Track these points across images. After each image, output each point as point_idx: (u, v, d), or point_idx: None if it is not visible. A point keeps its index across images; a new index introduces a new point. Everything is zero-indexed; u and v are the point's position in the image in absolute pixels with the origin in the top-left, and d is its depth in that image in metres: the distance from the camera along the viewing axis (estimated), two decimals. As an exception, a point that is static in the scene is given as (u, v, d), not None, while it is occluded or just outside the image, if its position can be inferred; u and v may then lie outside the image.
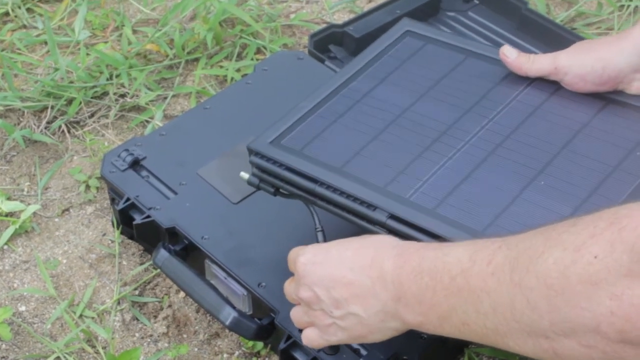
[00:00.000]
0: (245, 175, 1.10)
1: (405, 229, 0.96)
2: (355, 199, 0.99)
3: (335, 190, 1.01)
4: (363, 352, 1.04)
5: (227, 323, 1.07)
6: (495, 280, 0.75)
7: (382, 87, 1.14)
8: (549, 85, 1.08)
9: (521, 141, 1.03)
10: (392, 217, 0.97)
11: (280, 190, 1.08)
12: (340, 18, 1.73)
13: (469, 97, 1.10)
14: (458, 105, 1.09)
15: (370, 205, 0.98)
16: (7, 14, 1.75)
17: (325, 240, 1.04)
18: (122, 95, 1.57)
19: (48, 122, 1.53)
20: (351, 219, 1.01)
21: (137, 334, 1.24)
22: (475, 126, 1.06)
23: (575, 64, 1.03)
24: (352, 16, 1.69)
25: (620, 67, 1.01)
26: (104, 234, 1.37)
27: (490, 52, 1.14)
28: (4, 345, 1.23)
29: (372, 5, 1.76)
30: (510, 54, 1.09)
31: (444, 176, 1.01)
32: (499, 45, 1.50)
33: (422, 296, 0.83)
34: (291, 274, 0.99)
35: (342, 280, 0.89)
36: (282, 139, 1.08)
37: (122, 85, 1.57)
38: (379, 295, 0.87)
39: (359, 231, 0.99)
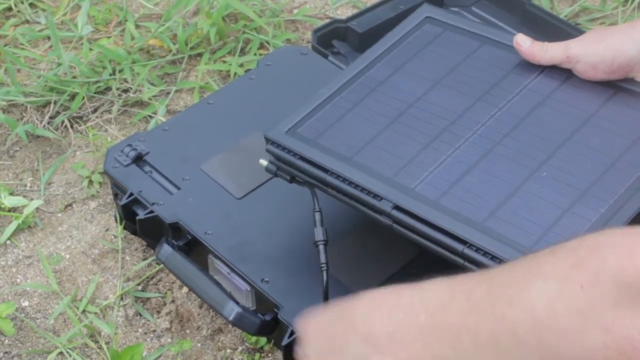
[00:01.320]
0: (264, 162, 1.11)
1: (408, 220, 0.97)
2: (363, 189, 1.01)
3: (344, 180, 1.02)
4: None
5: (231, 318, 1.07)
6: (476, 317, 0.73)
7: (397, 75, 1.14)
8: (561, 73, 1.08)
9: (528, 131, 1.03)
10: (396, 207, 0.98)
11: (296, 178, 1.09)
12: (344, 13, 1.73)
13: (481, 86, 1.10)
14: (470, 94, 1.09)
15: (376, 196, 1.00)
16: (9, 9, 1.75)
17: (322, 221, 1.06)
18: (125, 91, 1.57)
19: (51, 117, 1.52)
20: (359, 208, 1.02)
21: (140, 330, 1.24)
22: (485, 115, 1.06)
23: (587, 53, 1.03)
24: (355, 11, 1.69)
25: (631, 55, 1.00)
26: (107, 229, 1.37)
27: (506, 39, 1.13)
28: (7, 341, 1.23)
29: (376, 0, 1.75)
30: (523, 43, 1.09)
31: (449, 167, 1.01)
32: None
33: (394, 335, 0.78)
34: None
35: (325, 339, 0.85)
36: (299, 128, 1.09)
37: (125, 81, 1.57)
38: (350, 340, 0.82)
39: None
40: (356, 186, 1.01)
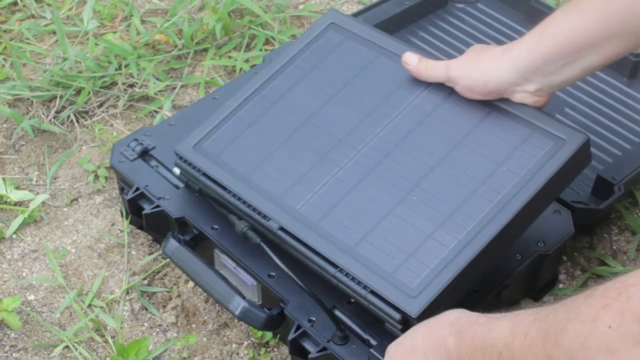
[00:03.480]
0: (177, 171, 1.19)
1: (291, 241, 1.05)
2: (255, 209, 1.08)
3: (239, 199, 1.10)
4: (373, 342, 1.04)
5: (237, 313, 1.07)
6: (532, 355, 0.78)
7: (298, 88, 1.18)
8: (444, 89, 1.11)
9: (406, 152, 1.08)
10: (281, 228, 1.06)
11: (203, 191, 1.17)
12: (349, 9, 1.73)
13: (371, 101, 1.14)
14: (360, 110, 1.14)
15: (265, 216, 1.07)
16: (15, 3, 1.75)
17: (238, 216, 1.12)
18: (131, 85, 1.57)
19: (57, 112, 1.53)
20: (256, 227, 1.09)
21: (146, 324, 1.24)
22: (370, 134, 1.11)
23: (463, 76, 1.07)
24: (361, 7, 1.69)
25: (501, 80, 1.04)
26: (113, 224, 1.37)
27: (400, 51, 1.16)
28: (13, 334, 1.23)
29: (381, -4, 1.75)
30: (411, 62, 1.13)
31: (332, 188, 1.08)
32: (508, 37, 1.51)
33: None
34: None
35: None
36: (205, 142, 1.16)
37: (131, 76, 1.57)
38: None
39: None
40: (249, 205, 1.09)
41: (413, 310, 0.96)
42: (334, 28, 1.22)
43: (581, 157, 1.04)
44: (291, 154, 1.12)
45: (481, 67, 1.05)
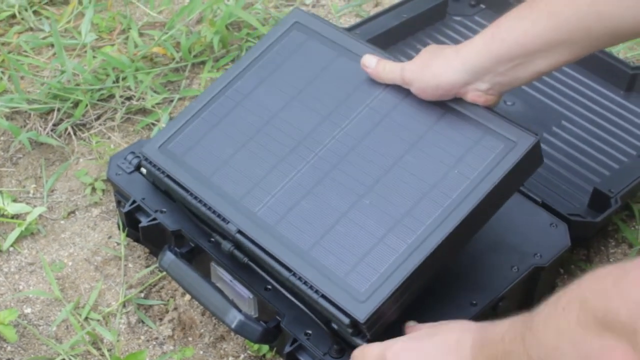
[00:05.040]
0: (144, 170, 1.22)
1: (249, 245, 1.06)
2: (214, 211, 1.10)
3: (200, 201, 1.11)
4: (369, 355, 1.04)
5: (233, 326, 1.07)
6: (512, 336, 0.83)
7: (261, 88, 1.19)
8: (401, 91, 1.12)
9: (362, 155, 1.09)
10: (239, 232, 1.07)
11: (168, 192, 1.19)
12: (347, 22, 1.73)
13: (330, 102, 1.15)
14: (318, 111, 1.14)
15: (224, 219, 1.09)
16: (13, 16, 1.76)
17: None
18: (129, 98, 1.57)
19: (54, 125, 1.53)
20: (214, 230, 1.12)
21: (142, 337, 1.24)
22: (328, 136, 1.12)
23: (416, 78, 1.08)
24: (358, 20, 1.69)
25: (452, 82, 1.05)
26: (110, 237, 1.37)
27: (360, 51, 1.16)
28: (9, 347, 1.23)
29: (379, 9, 1.76)
30: (369, 64, 1.14)
31: (289, 191, 1.09)
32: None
33: None
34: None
35: None
36: (170, 144, 1.18)
37: (129, 88, 1.58)
38: None
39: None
40: (209, 208, 1.10)
41: (361, 315, 0.97)
42: (298, 27, 1.23)
43: (532, 159, 1.05)
44: (251, 157, 1.13)
45: (432, 70, 1.06)
